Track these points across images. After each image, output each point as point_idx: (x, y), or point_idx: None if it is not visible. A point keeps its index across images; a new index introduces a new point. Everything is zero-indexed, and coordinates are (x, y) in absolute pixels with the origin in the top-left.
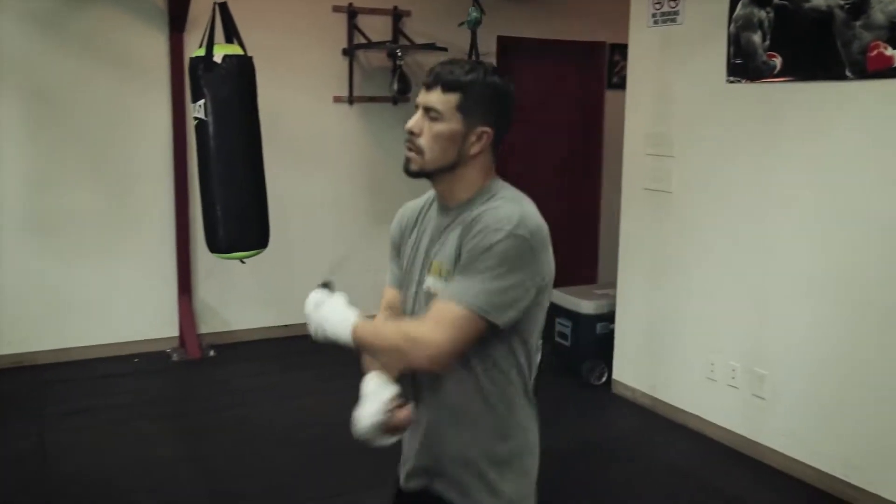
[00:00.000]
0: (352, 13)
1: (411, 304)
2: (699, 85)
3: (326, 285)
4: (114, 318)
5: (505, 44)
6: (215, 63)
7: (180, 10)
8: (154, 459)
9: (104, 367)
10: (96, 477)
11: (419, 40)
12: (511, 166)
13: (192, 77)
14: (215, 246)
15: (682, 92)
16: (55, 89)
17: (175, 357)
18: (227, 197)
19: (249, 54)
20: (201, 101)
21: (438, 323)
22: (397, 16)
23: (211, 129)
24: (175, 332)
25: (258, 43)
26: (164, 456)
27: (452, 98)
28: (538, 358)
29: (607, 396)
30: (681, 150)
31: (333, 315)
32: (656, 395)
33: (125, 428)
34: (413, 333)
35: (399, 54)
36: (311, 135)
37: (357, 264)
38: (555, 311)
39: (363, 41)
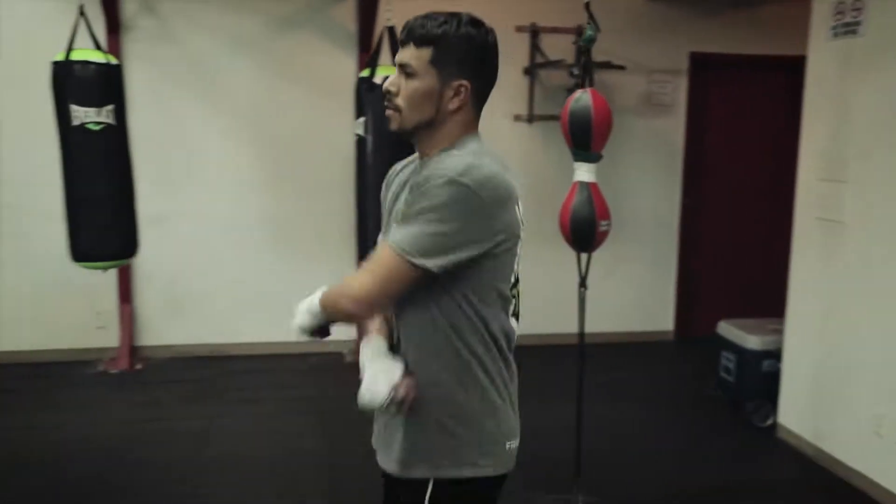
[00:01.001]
0: (534, 32)
1: None
2: (880, 103)
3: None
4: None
5: (697, 60)
6: (375, 83)
7: (368, 32)
8: (299, 450)
9: (284, 363)
10: (245, 457)
11: (600, 58)
12: (706, 186)
13: (357, 96)
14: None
15: (860, 110)
16: (257, 105)
17: (349, 359)
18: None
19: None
20: (362, 119)
21: (367, 267)
22: (580, 34)
23: (369, 145)
24: (352, 336)
25: None
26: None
27: (425, 53)
28: (510, 322)
29: (770, 440)
30: (857, 175)
31: (302, 304)
32: (821, 446)
33: (283, 420)
34: (346, 280)
35: (576, 73)
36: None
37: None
38: (720, 342)
39: (543, 60)
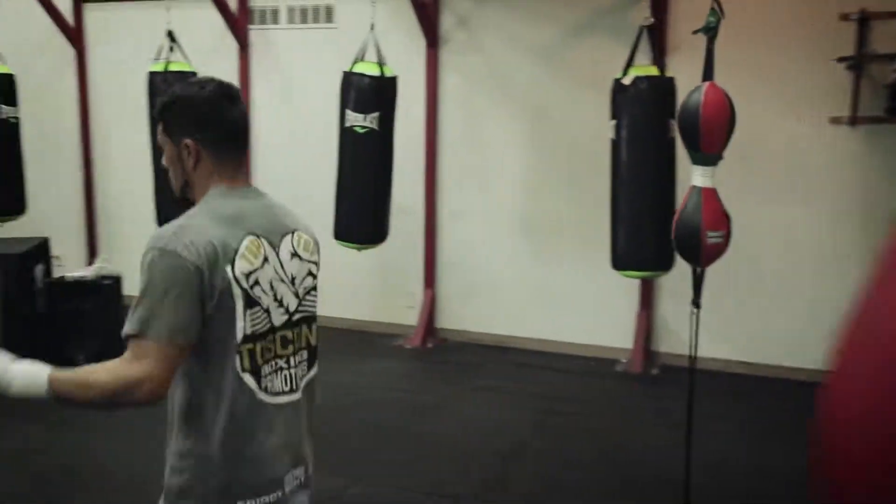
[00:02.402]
0: (863, 20)
1: None
2: None
3: None
4: (577, 319)
5: None
6: (625, 85)
7: (663, 34)
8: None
9: (556, 362)
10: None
11: None
12: None
13: (612, 98)
14: (614, 262)
15: None
16: (548, 110)
17: (619, 368)
18: (630, 215)
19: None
20: (613, 122)
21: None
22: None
23: (622, 149)
24: (629, 345)
25: (734, 59)
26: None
27: (160, 127)
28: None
29: None
30: None
31: (21, 371)
32: None
33: (509, 412)
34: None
35: None
36: (796, 161)
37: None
38: None
39: (872, 51)
